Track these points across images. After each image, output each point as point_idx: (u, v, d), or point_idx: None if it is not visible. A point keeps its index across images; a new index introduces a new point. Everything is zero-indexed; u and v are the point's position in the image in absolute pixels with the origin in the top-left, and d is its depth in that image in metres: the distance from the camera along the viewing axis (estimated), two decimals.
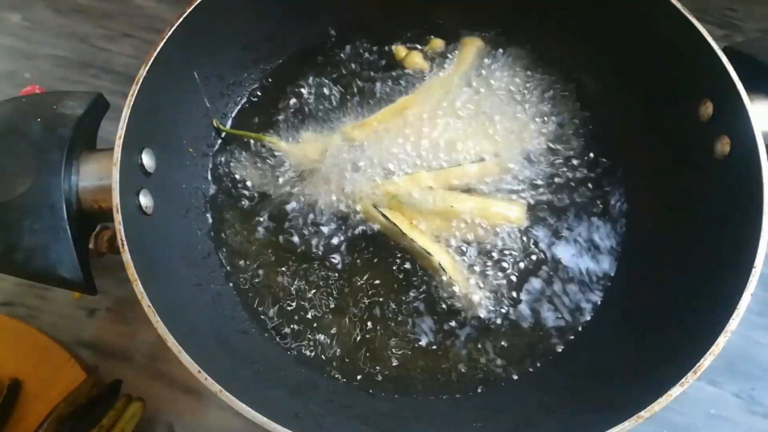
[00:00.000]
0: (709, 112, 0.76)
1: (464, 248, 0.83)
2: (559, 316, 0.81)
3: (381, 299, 0.82)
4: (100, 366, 0.86)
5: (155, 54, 0.75)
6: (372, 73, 0.94)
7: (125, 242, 0.67)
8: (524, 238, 0.84)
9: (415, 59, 0.93)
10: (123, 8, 1.10)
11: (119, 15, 1.10)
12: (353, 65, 0.95)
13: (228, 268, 0.84)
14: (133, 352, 0.88)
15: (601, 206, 0.86)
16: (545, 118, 0.90)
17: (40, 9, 1.11)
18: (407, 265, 0.83)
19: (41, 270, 0.69)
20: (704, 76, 0.76)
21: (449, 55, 0.94)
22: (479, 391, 0.78)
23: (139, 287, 0.65)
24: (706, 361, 0.62)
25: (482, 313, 0.80)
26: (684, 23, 0.76)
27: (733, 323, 0.63)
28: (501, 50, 0.95)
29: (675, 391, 0.61)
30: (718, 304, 0.66)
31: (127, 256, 0.66)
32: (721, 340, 0.63)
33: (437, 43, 0.95)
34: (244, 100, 0.94)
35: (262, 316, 0.82)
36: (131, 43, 1.08)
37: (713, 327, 0.64)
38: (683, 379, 0.62)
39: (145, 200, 0.74)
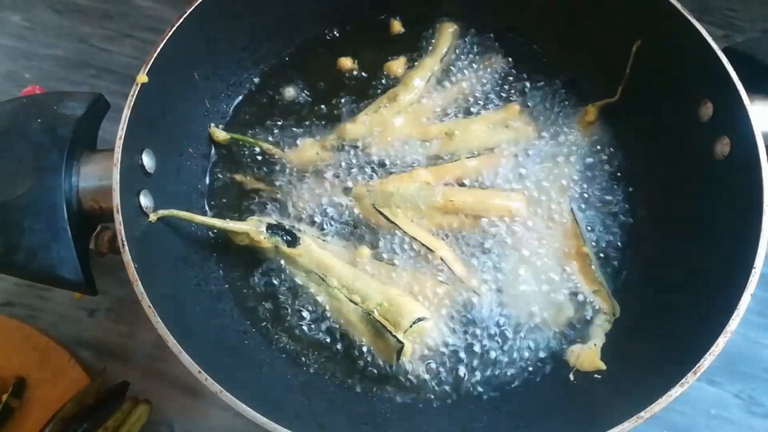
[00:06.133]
0: (709, 113, 0.76)
1: (466, 242, 0.83)
2: (561, 315, 0.81)
3: None
4: (101, 367, 0.86)
5: (155, 54, 0.75)
6: (368, 73, 0.95)
7: (125, 242, 0.67)
8: (526, 232, 0.83)
9: (394, 67, 0.94)
10: (123, 8, 1.10)
11: (119, 15, 1.10)
12: (351, 64, 0.95)
13: (227, 268, 0.84)
14: (133, 352, 0.88)
15: (600, 206, 0.86)
16: (541, 115, 0.91)
17: (40, 9, 1.11)
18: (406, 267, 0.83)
19: (42, 270, 0.70)
20: (704, 76, 0.76)
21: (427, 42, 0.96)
22: (480, 392, 0.78)
23: (139, 287, 0.66)
24: (706, 361, 0.63)
25: (485, 310, 0.80)
26: (684, 23, 0.76)
27: (733, 323, 0.64)
28: (496, 46, 0.96)
29: (675, 392, 0.62)
30: (718, 304, 0.66)
31: (127, 257, 0.67)
32: (721, 341, 0.63)
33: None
34: (244, 100, 0.94)
35: (261, 317, 0.82)
36: (131, 44, 1.08)
37: (713, 327, 0.64)
38: (683, 379, 0.62)
39: (145, 200, 0.74)
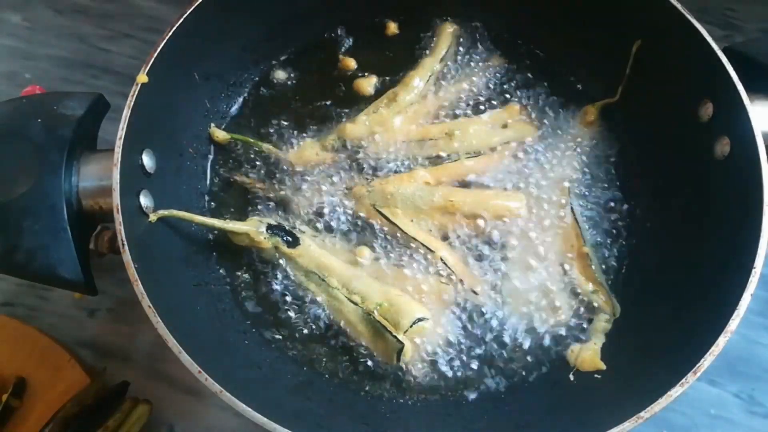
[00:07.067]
0: (709, 113, 0.76)
1: (466, 242, 0.83)
2: (561, 315, 0.81)
3: None
4: (101, 367, 0.86)
5: (155, 54, 0.75)
6: (366, 73, 0.95)
7: (125, 242, 0.67)
8: (526, 232, 0.83)
9: (363, 85, 0.94)
10: (123, 8, 1.10)
11: (119, 15, 1.10)
12: (350, 64, 0.95)
13: (227, 269, 0.84)
14: (133, 352, 0.88)
15: (600, 206, 0.86)
16: (540, 115, 0.91)
17: (40, 9, 1.11)
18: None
19: (42, 270, 0.70)
20: (704, 76, 0.76)
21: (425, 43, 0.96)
22: (480, 392, 0.78)
23: (139, 287, 0.66)
24: (706, 361, 0.63)
25: (485, 310, 0.80)
26: (684, 23, 0.76)
27: (733, 323, 0.64)
28: (495, 46, 0.96)
29: (675, 392, 0.62)
30: (718, 305, 0.66)
31: (127, 257, 0.67)
32: (721, 341, 0.63)
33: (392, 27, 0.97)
34: (244, 101, 0.94)
35: (261, 317, 0.82)
36: (131, 44, 1.08)
37: (713, 327, 0.64)
38: (683, 380, 0.62)
39: (145, 201, 0.74)
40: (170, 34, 0.76)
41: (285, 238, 0.81)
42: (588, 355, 0.77)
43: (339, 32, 0.97)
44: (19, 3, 1.12)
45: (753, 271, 0.65)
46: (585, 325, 0.80)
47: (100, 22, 1.10)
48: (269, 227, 0.81)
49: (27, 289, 0.91)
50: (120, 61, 1.06)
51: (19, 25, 1.10)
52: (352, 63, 0.95)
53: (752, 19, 1.06)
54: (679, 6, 0.77)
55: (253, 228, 0.81)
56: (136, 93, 0.73)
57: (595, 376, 0.76)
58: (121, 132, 0.71)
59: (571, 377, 0.77)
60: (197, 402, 0.85)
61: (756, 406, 0.85)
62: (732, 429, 0.84)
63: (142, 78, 0.73)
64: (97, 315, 0.90)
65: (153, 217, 0.74)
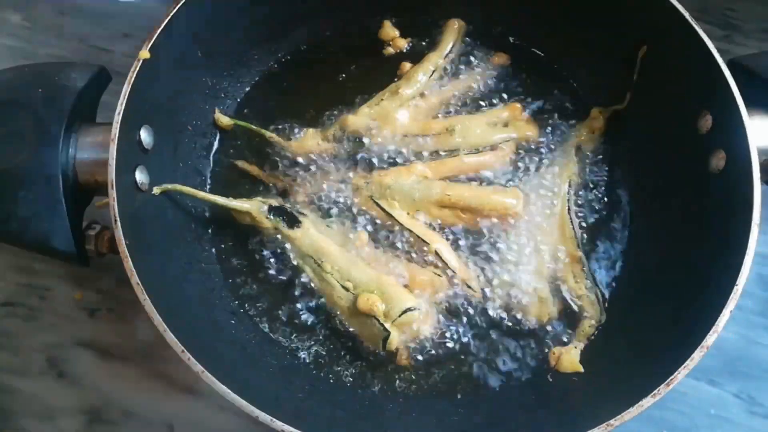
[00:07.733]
0: (708, 125, 0.76)
1: (461, 236, 0.83)
2: (548, 315, 0.80)
3: None
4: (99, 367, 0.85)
5: (159, 30, 0.75)
6: (368, 63, 0.96)
7: (118, 218, 0.67)
8: (521, 229, 0.83)
9: (397, 42, 0.96)
10: (123, 8, 1.11)
11: (119, 15, 1.10)
12: (351, 55, 0.96)
13: (220, 248, 0.84)
14: (133, 352, 0.86)
15: (595, 209, 0.86)
16: (542, 116, 0.92)
17: (40, 9, 1.12)
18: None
19: (35, 240, 0.70)
20: (706, 87, 0.75)
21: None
22: (473, 389, 0.77)
23: (129, 264, 0.65)
24: (680, 374, 0.62)
25: (477, 303, 0.80)
26: (684, 24, 0.76)
27: (710, 338, 0.63)
28: (499, 46, 0.97)
29: (647, 402, 0.61)
30: (698, 319, 0.66)
31: (119, 232, 0.66)
32: (697, 355, 0.62)
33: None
34: (246, 85, 0.95)
35: (252, 298, 0.81)
36: (131, 43, 1.08)
37: (690, 340, 0.64)
38: (655, 390, 0.61)
39: (141, 177, 0.74)
40: (175, 10, 0.77)
41: (286, 219, 0.81)
42: (568, 356, 0.77)
43: (339, 31, 0.98)
44: (19, 3, 1.12)
45: (735, 288, 0.64)
46: (570, 328, 0.80)
47: (100, 21, 1.10)
48: (271, 208, 0.81)
49: (27, 289, 0.90)
50: (120, 61, 1.06)
51: (19, 24, 1.11)
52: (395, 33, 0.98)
53: (752, 19, 1.07)
54: (679, 6, 0.77)
55: (255, 207, 0.81)
56: (137, 69, 0.73)
57: (573, 378, 0.75)
58: (120, 107, 0.70)
59: (550, 378, 0.76)
60: (197, 402, 0.83)
61: (756, 406, 0.83)
62: (732, 429, 0.82)
63: (144, 54, 0.74)
64: (97, 315, 0.89)
65: (157, 191, 0.74)
